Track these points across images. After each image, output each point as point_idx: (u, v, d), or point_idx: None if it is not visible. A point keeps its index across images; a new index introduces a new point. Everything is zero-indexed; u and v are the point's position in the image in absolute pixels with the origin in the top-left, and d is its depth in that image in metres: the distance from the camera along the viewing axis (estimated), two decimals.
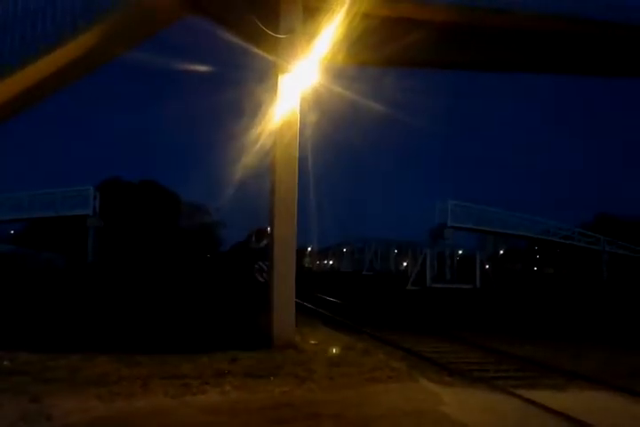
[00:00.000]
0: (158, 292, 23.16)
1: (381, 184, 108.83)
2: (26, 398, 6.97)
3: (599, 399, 8.15)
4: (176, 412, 6.89)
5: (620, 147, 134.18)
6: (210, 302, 19.91)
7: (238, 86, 14.39)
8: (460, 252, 44.24)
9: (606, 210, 65.95)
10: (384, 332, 14.85)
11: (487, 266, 43.81)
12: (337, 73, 13.37)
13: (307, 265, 63.57)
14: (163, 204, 51.79)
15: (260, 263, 17.94)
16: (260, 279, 17.05)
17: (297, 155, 11.81)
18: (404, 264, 56.12)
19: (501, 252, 71.61)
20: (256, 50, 12.12)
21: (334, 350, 11.08)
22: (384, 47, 13.17)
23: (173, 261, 42.38)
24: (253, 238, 34.17)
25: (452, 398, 7.81)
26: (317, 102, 12.89)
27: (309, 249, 65.75)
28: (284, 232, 11.75)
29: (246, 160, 13.35)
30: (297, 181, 11.85)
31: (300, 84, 11.92)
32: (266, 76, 12.49)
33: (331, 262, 68.60)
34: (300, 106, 11.91)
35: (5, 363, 8.94)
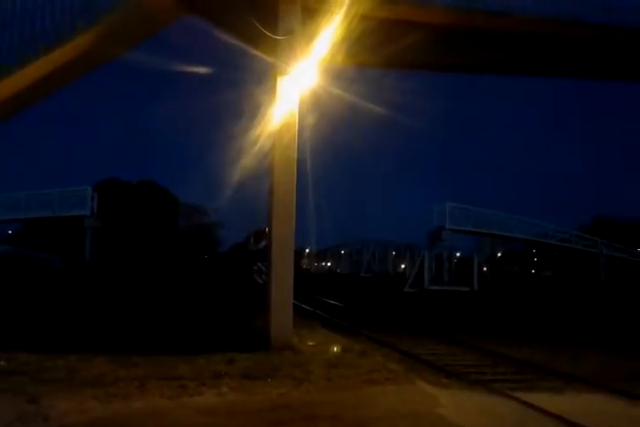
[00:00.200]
0: (156, 293, 23.13)
1: (380, 186, 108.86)
2: (23, 398, 6.95)
3: (597, 402, 8.15)
4: (173, 413, 6.88)
5: (618, 150, 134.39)
6: (207, 303, 19.90)
7: (237, 87, 14.40)
8: (458, 254, 44.36)
9: (605, 213, 66.19)
10: (382, 334, 14.84)
11: (485, 268, 43.82)
12: (336, 74, 13.37)
13: (305, 266, 63.60)
14: (161, 204, 51.70)
15: (259, 264, 17.89)
16: (259, 281, 17.01)
17: (295, 156, 11.81)
18: (402, 266, 56.15)
19: (499, 254, 71.62)
20: (255, 51, 12.15)
21: (332, 352, 11.08)
22: (383, 49, 13.19)
23: (171, 262, 42.32)
24: (252, 240, 34.09)
25: (449, 401, 7.80)
26: (316, 104, 12.89)
27: (307, 251, 65.80)
28: (283, 233, 11.75)
29: (245, 161, 13.35)
30: (295, 183, 11.85)
31: (298, 85, 11.92)
32: (264, 78, 12.51)
33: (329, 264, 68.66)
34: (299, 107, 11.92)
35: (3, 363, 8.92)
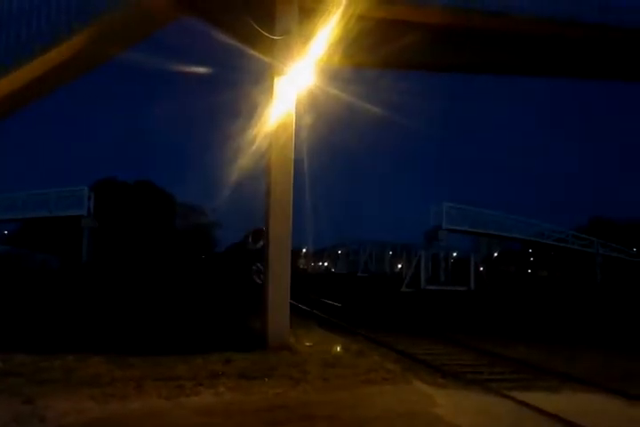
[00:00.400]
0: (153, 293, 23.10)
1: (377, 186, 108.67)
2: (19, 399, 6.93)
3: (593, 402, 8.17)
4: (170, 413, 6.88)
5: (615, 150, 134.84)
6: (205, 303, 19.89)
7: (234, 88, 14.40)
8: (455, 254, 44.34)
9: (602, 213, 66.38)
10: (379, 333, 14.85)
11: (481, 268, 43.80)
12: (333, 75, 13.38)
13: (302, 266, 63.57)
14: (158, 204, 51.65)
15: (258, 265, 17.86)
16: (258, 281, 16.97)
17: (292, 156, 11.81)
18: (399, 266, 56.15)
19: (495, 254, 71.70)
20: (252, 51, 12.14)
21: (329, 352, 11.07)
22: (380, 49, 13.21)
23: (168, 261, 42.28)
24: (250, 239, 33.96)
25: (446, 400, 7.82)
26: (313, 104, 12.90)
27: (304, 250, 65.73)
28: (280, 233, 11.76)
29: (242, 161, 13.35)
30: (292, 183, 11.86)
31: (295, 85, 11.92)
32: (261, 78, 12.50)
33: (325, 264, 68.60)
34: (296, 107, 11.92)
35: None
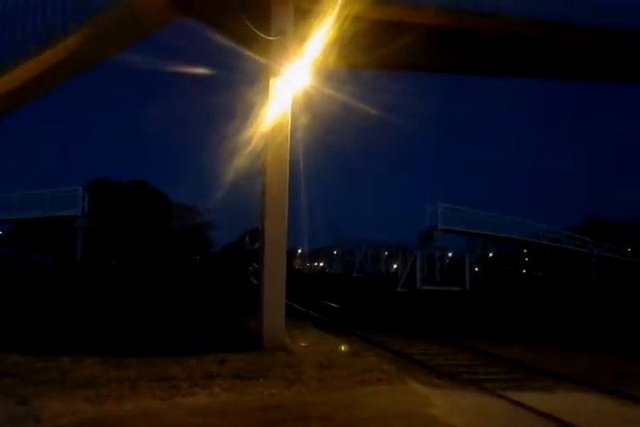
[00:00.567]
0: (148, 293, 23.07)
1: (373, 187, 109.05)
2: (14, 400, 6.92)
3: (587, 401, 8.21)
4: (165, 414, 6.87)
5: (611, 151, 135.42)
6: (200, 303, 19.87)
7: (229, 88, 14.40)
8: (450, 254, 44.40)
9: (598, 213, 66.59)
10: (374, 334, 14.86)
11: (476, 268, 43.89)
12: (328, 75, 13.40)
13: (297, 267, 63.58)
14: (152, 204, 51.58)
15: (255, 265, 17.84)
16: (255, 282, 16.97)
17: (288, 156, 11.82)
18: (395, 266, 56.21)
19: (491, 254, 71.88)
20: (247, 52, 12.15)
21: (324, 353, 11.06)
22: (375, 50, 13.23)
23: (163, 262, 42.23)
24: (247, 239, 33.86)
25: (441, 401, 7.83)
26: (309, 104, 12.91)
27: (300, 251, 65.79)
28: (275, 233, 11.76)
29: (238, 162, 13.34)
30: (288, 183, 11.86)
31: (291, 86, 11.93)
32: (257, 79, 12.51)
33: (321, 264, 68.63)
34: (292, 108, 11.93)
35: None
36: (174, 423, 6.66)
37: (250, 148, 12.41)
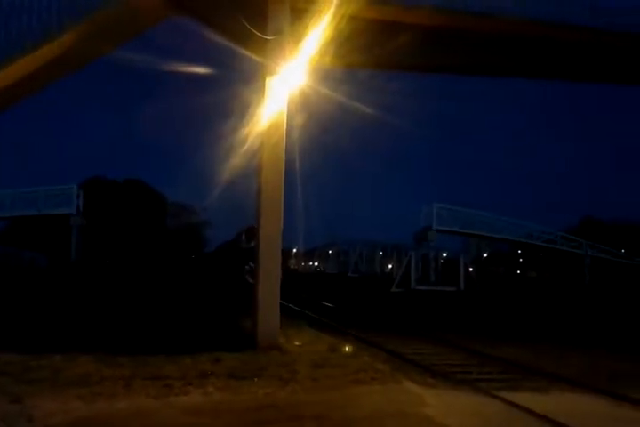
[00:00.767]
0: (142, 292, 23.02)
1: (369, 186, 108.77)
2: (7, 398, 6.89)
3: (581, 402, 8.22)
4: (158, 413, 6.85)
5: (608, 151, 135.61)
6: (195, 302, 19.83)
7: (226, 87, 14.38)
8: (445, 254, 44.46)
9: (595, 213, 66.73)
10: (369, 333, 14.86)
11: (471, 269, 43.95)
12: (324, 75, 13.39)
13: (292, 266, 63.57)
14: (147, 203, 51.52)
15: (251, 264, 17.80)
16: (250, 281, 16.95)
17: (284, 156, 11.81)
18: (390, 266, 56.24)
19: (485, 255, 72.03)
20: (243, 51, 12.12)
21: (319, 352, 11.06)
22: (371, 50, 13.23)
23: (158, 260, 42.15)
24: (244, 237, 33.72)
25: (436, 400, 7.83)
26: (305, 104, 12.90)
27: (295, 250, 65.75)
28: (270, 232, 11.75)
29: (233, 160, 13.33)
30: (283, 182, 11.85)
31: (287, 85, 11.92)
32: (253, 78, 12.48)
33: (316, 264, 68.64)
34: (288, 107, 11.92)
35: None
36: (167, 422, 6.63)
37: (246, 147, 12.39)
